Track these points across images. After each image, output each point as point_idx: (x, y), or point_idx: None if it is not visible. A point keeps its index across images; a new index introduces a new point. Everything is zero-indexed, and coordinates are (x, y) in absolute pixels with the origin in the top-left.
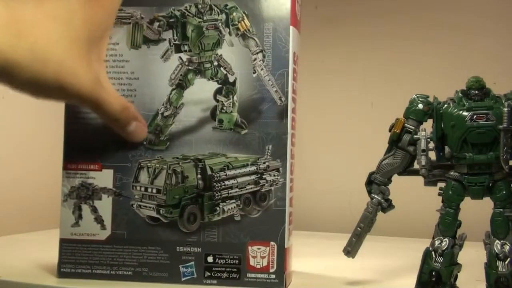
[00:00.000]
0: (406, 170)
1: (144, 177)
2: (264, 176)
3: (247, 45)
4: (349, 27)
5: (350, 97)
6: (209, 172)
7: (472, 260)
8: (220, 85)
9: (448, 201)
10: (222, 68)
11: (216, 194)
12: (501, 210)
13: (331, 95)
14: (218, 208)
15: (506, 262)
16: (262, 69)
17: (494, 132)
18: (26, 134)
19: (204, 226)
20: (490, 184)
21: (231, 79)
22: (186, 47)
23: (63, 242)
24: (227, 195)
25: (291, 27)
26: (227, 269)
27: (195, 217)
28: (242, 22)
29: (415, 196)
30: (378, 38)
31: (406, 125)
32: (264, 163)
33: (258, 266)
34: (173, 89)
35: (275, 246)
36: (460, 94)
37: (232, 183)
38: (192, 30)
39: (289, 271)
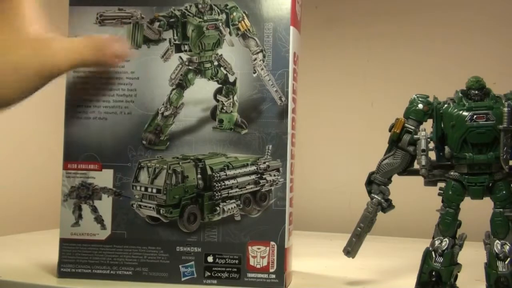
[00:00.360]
0: (406, 170)
1: (144, 177)
2: (264, 176)
3: (247, 45)
4: (349, 27)
5: (350, 97)
6: (209, 172)
7: (472, 260)
8: (220, 85)
9: (448, 201)
10: (222, 68)
11: (216, 194)
12: (501, 210)
13: (331, 95)
14: (218, 208)
15: (506, 262)
16: (262, 69)
17: (494, 132)
18: (26, 134)
19: (204, 226)
20: (490, 184)
21: (231, 79)
22: (186, 47)
23: (63, 242)
24: (227, 195)
25: (291, 27)
26: (227, 269)
27: (195, 217)
28: (242, 22)
29: (415, 196)
30: (378, 38)
31: (406, 125)
32: (264, 163)
33: (258, 266)
34: (173, 89)
35: (275, 246)
36: (460, 94)
37: (232, 183)
38: (193, 30)
39: (289, 271)
